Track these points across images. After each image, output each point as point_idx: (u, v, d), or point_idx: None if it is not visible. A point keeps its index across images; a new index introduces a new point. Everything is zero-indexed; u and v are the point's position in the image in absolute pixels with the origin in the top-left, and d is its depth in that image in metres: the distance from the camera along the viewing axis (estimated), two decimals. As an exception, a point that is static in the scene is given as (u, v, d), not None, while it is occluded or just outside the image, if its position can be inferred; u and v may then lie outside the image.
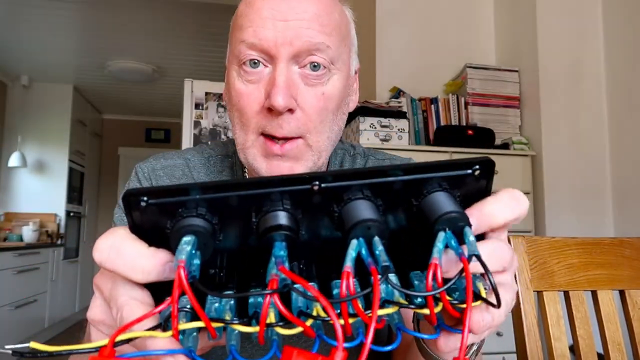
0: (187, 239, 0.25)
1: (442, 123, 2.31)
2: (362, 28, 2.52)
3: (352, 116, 2.07)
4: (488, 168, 0.28)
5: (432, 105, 2.33)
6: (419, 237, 0.28)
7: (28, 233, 4.22)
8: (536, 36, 2.26)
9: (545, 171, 2.16)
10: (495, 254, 0.29)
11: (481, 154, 2.12)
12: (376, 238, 0.25)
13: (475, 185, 0.29)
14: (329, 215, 0.27)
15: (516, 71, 2.40)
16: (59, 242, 4.70)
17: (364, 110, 2.07)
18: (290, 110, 0.55)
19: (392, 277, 0.27)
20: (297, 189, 0.26)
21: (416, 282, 0.29)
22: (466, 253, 0.25)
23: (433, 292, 0.24)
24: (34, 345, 0.25)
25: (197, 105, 2.55)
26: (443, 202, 0.26)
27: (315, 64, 0.55)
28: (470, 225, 0.26)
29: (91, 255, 0.29)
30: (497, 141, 2.27)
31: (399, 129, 2.09)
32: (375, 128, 2.06)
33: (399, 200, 0.28)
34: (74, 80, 4.97)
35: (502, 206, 0.29)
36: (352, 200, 0.26)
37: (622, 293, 0.80)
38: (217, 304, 0.26)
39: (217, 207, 0.26)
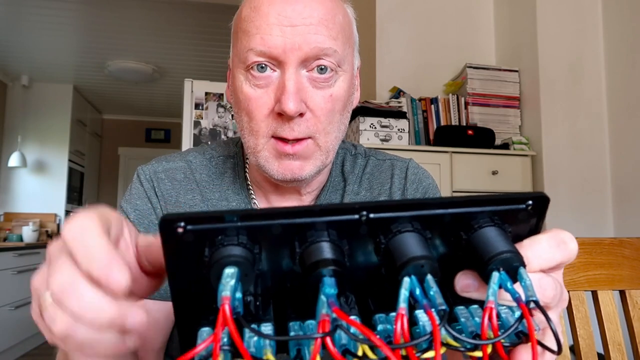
0: (229, 271, 0.23)
1: (442, 123, 2.31)
2: (362, 28, 2.52)
3: (352, 116, 2.07)
4: (542, 204, 0.27)
5: (432, 105, 2.33)
6: (465, 268, 0.27)
7: (28, 233, 4.22)
8: (536, 36, 2.26)
9: (545, 171, 2.16)
10: (540, 286, 0.28)
11: (481, 154, 2.12)
12: (429, 277, 0.24)
13: (526, 221, 0.28)
14: (375, 246, 0.26)
15: (516, 71, 2.40)
16: (59, 242, 4.70)
17: (364, 110, 2.07)
18: (301, 114, 0.56)
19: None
20: (345, 219, 0.25)
21: (462, 320, 0.27)
22: (523, 297, 0.24)
23: (490, 341, 0.24)
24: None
25: (197, 105, 2.55)
26: (495, 239, 0.25)
27: (323, 66, 0.57)
28: (524, 266, 0.25)
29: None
30: (497, 141, 2.27)
31: (399, 129, 2.09)
32: (375, 128, 2.06)
33: (448, 232, 0.27)
34: (74, 80, 4.98)
35: (543, 250, 0.28)
36: (401, 233, 0.25)
37: (622, 293, 0.80)
38: (255, 338, 0.25)
39: (258, 235, 0.25)
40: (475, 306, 0.28)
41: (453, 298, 0.28)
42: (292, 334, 0.26)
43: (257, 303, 0.27)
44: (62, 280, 0.25)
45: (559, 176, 2.17)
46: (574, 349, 0.77)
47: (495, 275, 0.25)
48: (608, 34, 2.26)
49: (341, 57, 0.58)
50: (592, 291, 0.79)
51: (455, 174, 2.09)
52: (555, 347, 0.25)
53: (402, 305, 0.23)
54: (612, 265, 0.80)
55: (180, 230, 0.24)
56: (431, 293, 0.24)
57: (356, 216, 0.25)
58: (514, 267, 0.25)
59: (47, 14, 3.58)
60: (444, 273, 0.27)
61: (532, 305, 0.24)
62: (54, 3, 3.42)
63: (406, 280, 0.24)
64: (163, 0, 3.38)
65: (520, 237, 0.28)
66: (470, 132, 2.18)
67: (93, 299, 0.25)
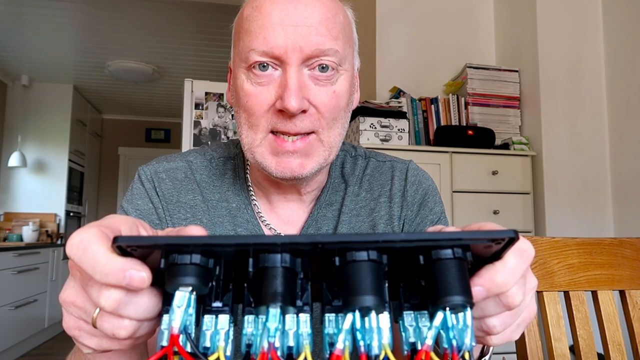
0: (180, 294, 0.26)
1: (442, 123, 2.31)
2: (362, 28, 2.52)
3: (352, 116, 2.07)
4: (510, 243, 0.27)
5: (432, 105, 2.33)
6: (418, 278, 0.28)
7: (28, 233, 4.22)
8: (536, 36, 2.26)
9: (545, 171, 2.16)
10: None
11: (481, 154, 2.12)
12: (373, 315, 0.26)
13: (490, 249, 0.28)
14: (330, 267, 0.28)
15: (516, 71, 2.40)
16: (58, 242, 4.70)
17: (364, 110, 2.07)
18: (304, 111, 0.56)
19: (384, 316, 0.27)
20: (299, 248, 0.26)
21: (406, 324, 0.29)
22: (466, 342, 0.26)
23: None
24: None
25: (197, 105, 2.55)
26: (452, 280, 0.26)
27: (324, 65, 0.57)
28: (472, 306, 0.26)
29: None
30: (497, 141, 2.27)
31: (399, 129, 2.09)
32: (375, 128, 2.06)
33: (406, 256, 0.28)
34: (74, 80, 4.97)
35: (513, 272, 0.28)
36: (355, 262, 0.26)
37: (622, 293, 0.80)
38: (211, 331, 0.27)
39: (211, 252, 0.27)
40: (425, 312, 0.29)
41: (407, 296, 0.30)
42: (244, 330, 0.28)
43: (218, 290, 0.29)
44: (112, 299, 0.27)
45: (559, 176, 2.17)
46: (574, 349, 0.77)
47: (439, 316, 0.26)
48: (608, 34, 2.26)
49: (342, 56, 0.58)
50: (592, 291, 0.79)
51: (455, 174, 2.10)
52: None
53: (339, 346, 0.25)
54: (612, 265, 0.80)
55: (130, 249, 0.26)
56: (368, 338, 0.25)
57: (308, 248, 0.26)
58: (461, 308, 0.26)
59: (47, 14, 3.58)
60: (401, 271, 0.29)
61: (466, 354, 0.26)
62: (54, 3, 3.42)
63: (349, 317, 0.26)
64: (163, 0, 3.38)
65: (482, 257, 0.29)
66: (470, 132, 2.18)
67: (148, 303, 0.27)
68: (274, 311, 0.25)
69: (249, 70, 0.57)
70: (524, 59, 2.37)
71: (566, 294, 0.78)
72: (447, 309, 0.26)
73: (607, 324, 0.77)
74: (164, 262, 0.26)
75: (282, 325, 0.26)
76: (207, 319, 0.28)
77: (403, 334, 0.28)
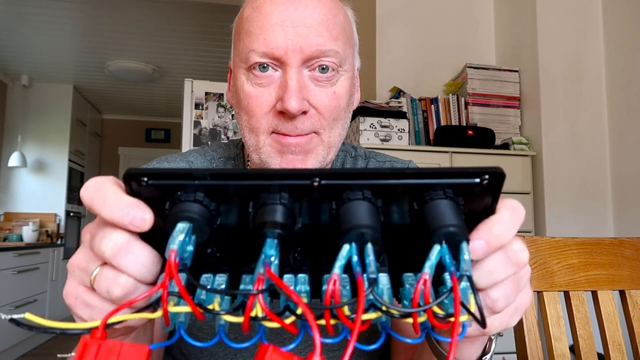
0: (181, 225, 0.25)
1: (442, 123, 2.31)
2: (362, 28, 2.52)
3: (352, 116, 2.07)
4: (497, 179, 0.27)
5: (432, 105, 2.33)
6: (416, 239, 0.27)
7: (28, 233, 4.22)
8: (536, 36, 2.26)
9: (545, 171, 2.16)
10: (491, 269, 0.29)
11: (481, 154, 2.12)
12: (369, 245, 0.25)
13: (481, 196, 0.28)
14: (327, 211, 0.27)
15: (516, 71, 2.40)
16: (59, 242, 4.70)
17: (364, 110, 2.07)
18: (304, 112, 0.56)
19: (384, 276, 0.27)
20: (297, 183, 0.26)
21: (407, 286, 0.29)
22: (465, 268, 0.25)
23: (418, 309, 0.25)
24: (29, 316, 0.25)
25: (197, 105, 2.55)
26: (444, 212, 0.26)
27: (324, 66, 0.57)
28: (468, 241, 0.26)
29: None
30: (497, 141, 2.27)
31: (399, 129, 2.09)
32: (375, 128, 2.06)
33: (400, 202, 0.28)
34: (74, 80, 4.98)
35: (509, 224, 0.28)
36: (350, 201, 0.26)
37: (622, 293, 0.80)
38: (208, 286, 0.27)
39: (215, 193, 0.27)
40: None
41: (403, 264, 0.29)
42: (242, 286, 0.27)
43: (218, 254, 0.29)
44: (114, 242, 0.27)
45: (559, 176, 2.17)
46: (574, 349, 0.77)
47: (435, 248, 0.25)
48: (608, 34, 2.26)
49: (342, 57, 0.58)
50: (592, 291, 0.79)
51: (455, 174, 2.09)
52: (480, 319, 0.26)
53: (336, 271, 0.24)
54: (612, 265, 0.80)
55: (143, 183, 0.26)
56: (367, 261, 0.24)
57: (308, 181, 0.26)
58: (457, 241, 0.26)
59: (47, 14, 3.58)
60: (396, 239, 0.29)
61: (465, 279, 0.25)
62: (54, 3, 3.42)
63: (345, 247, 0.25)
64: (163, 0, 3.38)
65: (475, 213, 0.28)
66: (470, 132, 2.18)
67: (148, 257, 0.28)
68: (272, 242, 0.25)
69: (249, 71, 0.57)
70: (524, 59, 2.37)
71: (566, 294, 0.78)
72: (443, 242, 0.25)
73: (607, 324, 0.77)
74: (169, 203, 0.27)
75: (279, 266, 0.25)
76: (204, 277, 0.28)
77: (405, 301, 0.28)
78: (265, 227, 0.25)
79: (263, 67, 0.56)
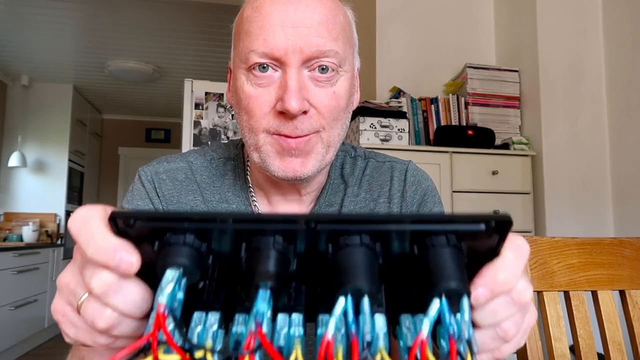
0: (170, 273, 0.24)
1: (442, 123, 2.31)
2: (362, 28, 2.52)
3: (352, 116, 2.07)
4: (504, 226, 0.26)
5: (432, 105, 2.33)
6: (415, 279, 0.27)
7: (28, 233, 4.22)
8: (536, 36, 2.26)
9: (545, 171, 2.16)
10: (494, 311, 0.29)
11: (481, 154, 2.12)
12: (365, 299, 0.24)
13: (486, 241, 0.27)
14: (324, 254, 0.26)
15: (516, 71, 2.40)
16: (59, 242, 4.70)
17: (364, 110, 2.06)
18: (304, 112, 0.56)
19: (380, 318, 0.25)
20: (292, 228, 0.25)
21: (404, 330, 0.27)
22: (464, 330, 0.24)
23: None
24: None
25: (197, 105, 2.55)
26: (446, 264, 0.25)
27: (324, 66, 0.57)
28: (469, 295, 0.25)
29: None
30: (497, 141, 2.27)
31: (399, 129, 2.09)
32: (375, 128, 2.06)
33: (401, 245, 0.27)
34: (74, 80, 4.97)
35: (513, 267, 0.27)
36: (347, 247, 0.25)
37: (622, 293, 0.80)
38: (200, 328, 0.26)
39: (206, 233, 0.26)
40: (422, 316, 0.28)
41: (402, 303, 0.28)
42: (234, 329, 0.26)
43: (210, 288, 0.28)
44: (103, 281, 0.27)
45: (559, 176, 2.17)
46: (574, 349, 0.77)
47: (435, 303, 0.24)
48: (608, 34, 2.26)
49: (342, 57, 0.58)
50: (592, 291, 0.79)
51: (455, 174, 2.10)
52: None
53: (330, 332, 0.23)
54: (612, 265, 0.80)
55: (128, 225, 0.26)
56: (362, 319, 0.24)
57: (303, 226, 0.25)
58: (458, 295, 0.25)
59: (47, 14, 3.58)
60: (394, 275, 0.28)
61: (464, 342, 0.24)
62: (54, 3, 3.42)
63: (341, 301, 0.24)
64: (163, 0, 3.38)
65: (479, 253, 0.27)
66: (470, 132, 2.18)
67: (137, 296, 0.27)
68: (264, 293, 0.24)
69: (249, 72, 0.57)
70: (524, 59, 2.37)
71: (566, 294, 0.78)
72: (443, 295, 0.24)
73: (607, 324, 0.77)
74: (158, 244, 0.26)
75: (272, 315, 0.24)
76: (197, 315, 0.27)
77: (401, 341, 0.27)
78: (257, 278, 0.24)
79: (263, 67, 0.56)
